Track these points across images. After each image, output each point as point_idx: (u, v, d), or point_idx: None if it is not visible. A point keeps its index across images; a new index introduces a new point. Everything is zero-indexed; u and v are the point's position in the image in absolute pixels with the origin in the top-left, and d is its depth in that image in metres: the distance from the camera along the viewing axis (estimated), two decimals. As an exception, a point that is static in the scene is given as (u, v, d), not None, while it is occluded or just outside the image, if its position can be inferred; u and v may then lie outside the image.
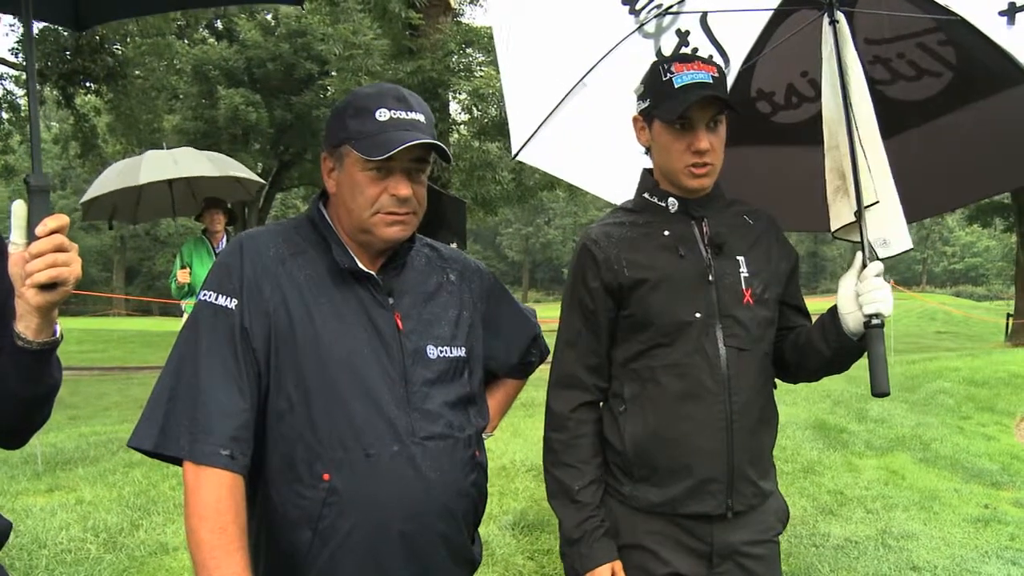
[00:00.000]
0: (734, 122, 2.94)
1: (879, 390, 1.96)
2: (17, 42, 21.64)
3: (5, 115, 24.57)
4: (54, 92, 22.39)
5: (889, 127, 2.87)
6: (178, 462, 1.62)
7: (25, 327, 1.42)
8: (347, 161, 1.74)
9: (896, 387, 10.22)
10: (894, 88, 2.86)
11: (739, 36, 2.86)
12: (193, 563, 1.57)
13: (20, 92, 25.12)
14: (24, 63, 22.49)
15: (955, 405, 9.53)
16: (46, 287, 1.38)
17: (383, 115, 1.70)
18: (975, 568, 4.82)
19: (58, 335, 1.47)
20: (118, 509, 5.07)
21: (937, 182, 2.98)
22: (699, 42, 2.88)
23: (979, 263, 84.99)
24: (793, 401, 8.88)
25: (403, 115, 1.72)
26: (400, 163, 1.71)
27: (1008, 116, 2.68)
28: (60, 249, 1.39)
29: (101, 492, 5.49)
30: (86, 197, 8.09)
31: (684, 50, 2.88)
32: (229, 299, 1.69)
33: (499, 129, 16.29)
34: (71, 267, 1.40)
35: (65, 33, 20.61)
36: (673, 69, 2.02)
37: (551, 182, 18.63)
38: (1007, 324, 28.45)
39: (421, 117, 1.75)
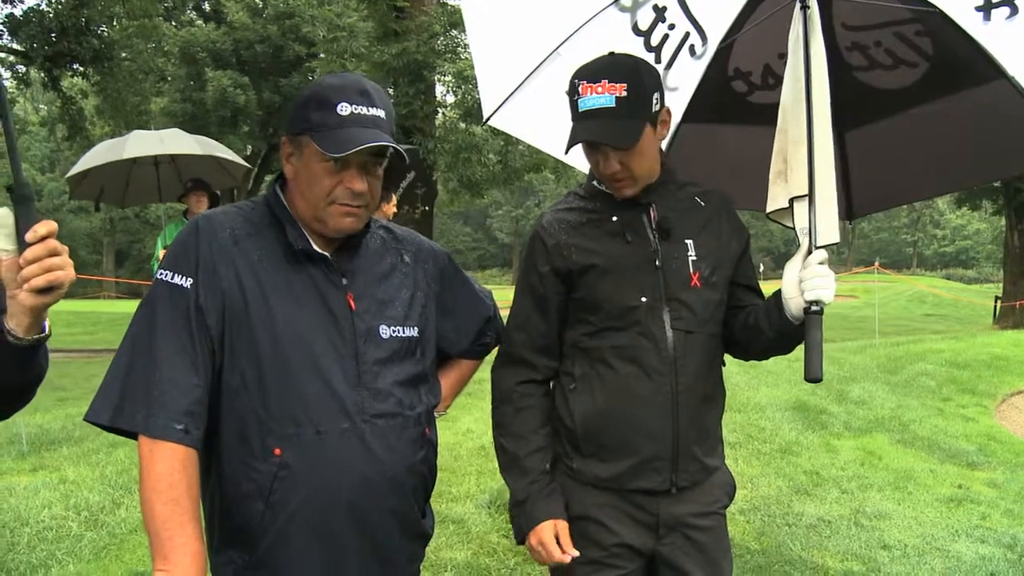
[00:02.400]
0: (710, 100, 2.98)
1: (812, 376, 2.00)
2: (2, 23, 21.43)
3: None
4: (40, 74, 22.20)
5: (865, 113, 2.90)
6: (134, 436, 1.66)
7: (16, 324, 1.46)
8: (306, 152, 1.77)
9: (878, 369, 10.33)
10: (871, 75, 2.87)
11: (718, 14, 2.85)
12: (147, 533, 1.62)
13: (7, 74, 24.91)
14: (10, 45, 22.32)
15: (936, 387, 9.61)
16: (42, 291, 1.42)
17: (344, 109, 1.73)
18: (945, 546, 4.92)
19: (46, 331, 1.52)
20: (100, 488, 5.12)
21: (909, 170, 3.01)
22: (676, 18, 2.87)
23: (969, 246, 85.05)
24: (775, 383, 8.96)
25: (364, 111, 1.75)
26: (357, 157, 1.75)
27: (981, 112, 2.69)
28: (54, 253, 1.43)
29: (84, 472, 5.54)
30: (72, 171, 8.10)
31: (660, 27, 2.86)
32: (185, 278, 1.72)
33: (485, 111, 16.26)
34: (65, 271, 1.44)
35: (50, 14, 20.42)
36: (580, 90, 2.01)
37: (537, 164, 18.63)
38: (995, 307, 28.61)
39: (382, 113, 1.78)
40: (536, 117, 2.89)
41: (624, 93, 1.97)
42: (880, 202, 3.22)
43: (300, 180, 1.80)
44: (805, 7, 2.31)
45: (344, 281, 1.84)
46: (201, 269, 1.73)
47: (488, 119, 2.90)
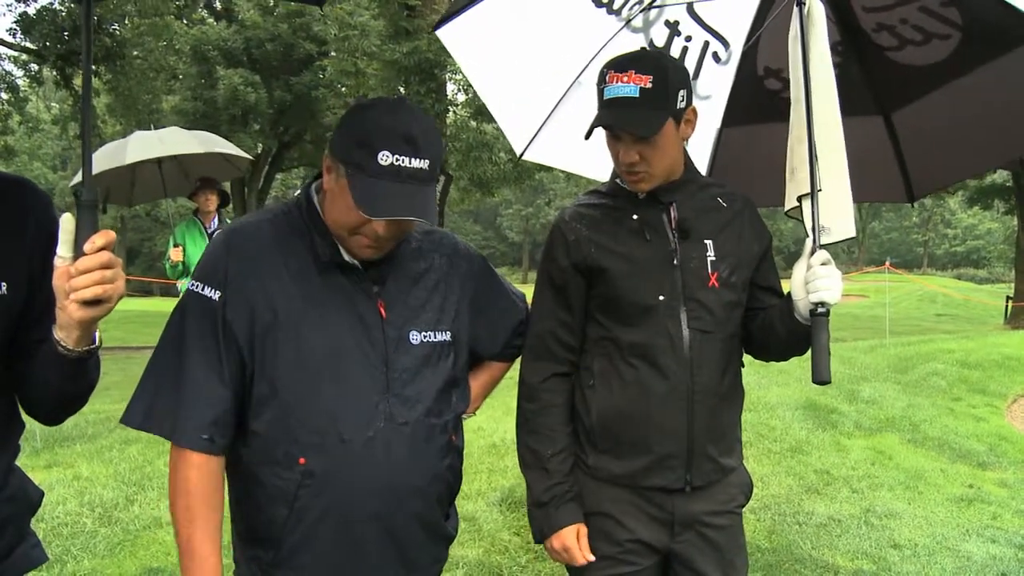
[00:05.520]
0: (747, 102, 2.98)
1: (819, 378, 1.99)
2: (15, 22, 21.58)
3: (4, 95, 24.55)
4: (52, 72, 22.37)
5: (907, 93, 2.89)
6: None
7: (66, 336, 1.45)
8: (341, 180, 1.70)
9: (889, 368, 10.29)
10: (904, 54, 2.85)
11: (734, 18, 2.87)
12: (175, 534, 1.68)
13: (20, 73, 25.10)
14: (23, 43, 22.44)
15: (947, 387, 9.56)
16: (90, 303, 1.40)
17: (385, 159, 1.63)
18: (955, 546, 4.91)
19: (97, 342, 1.51)
20: (114, 484, 5.16)
21: (962, 144, 2.98)
22: (691, 30, 2.88)
23: (981, 246, 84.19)
24: (786, 382, 8.94)
25: (405, 162, 1.64)
26: None
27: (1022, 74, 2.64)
28: (106, 266, 1.40)
29: (98, 468, 5.57)
30: (76, 180, 8.13)
31: (677, 40, 2.88)
32: (214, 291, 1.74)
33: (496, 110, 16.25)
34: (115, 285, 1.42)
35: (63, 12, 20.54)
36: (607, 78, 2.03)
37: (548, 163, 18.59)
38: (1006, 307, 28.46)
39: (425, 164, 1.68)
40: (569, 145, 2.90)
41: (649, 85, 1.97)
42: (938, 180, 3.19)
43: (333, 200, 1.76)
44: (800, 3, 2.30)
45: (375, 288, 1.84)
46: (230, 282, 1.74)
47: (522, 154, 2.93)
